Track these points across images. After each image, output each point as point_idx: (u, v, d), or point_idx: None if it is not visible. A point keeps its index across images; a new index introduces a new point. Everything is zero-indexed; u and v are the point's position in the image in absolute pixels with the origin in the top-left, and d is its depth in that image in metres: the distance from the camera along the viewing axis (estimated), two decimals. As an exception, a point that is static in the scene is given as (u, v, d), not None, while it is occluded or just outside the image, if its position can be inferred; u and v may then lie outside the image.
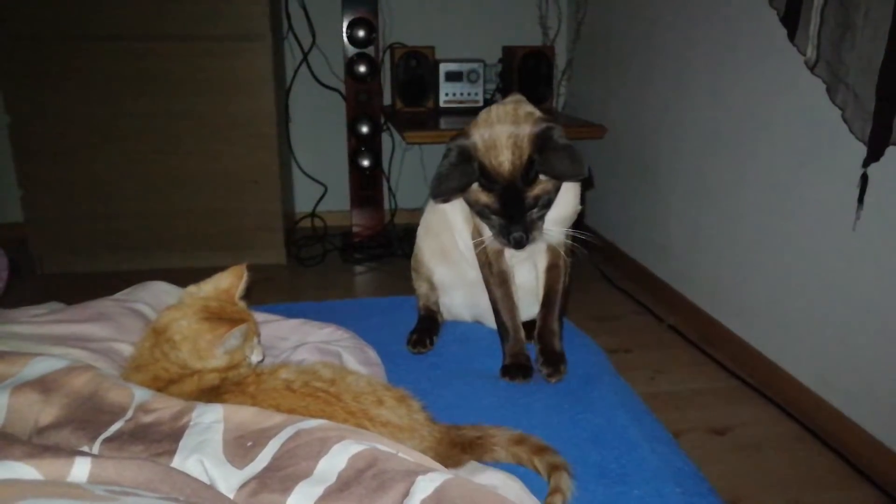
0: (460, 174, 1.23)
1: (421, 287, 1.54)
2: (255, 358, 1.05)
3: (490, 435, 1.01)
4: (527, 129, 1.20)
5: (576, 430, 1.13)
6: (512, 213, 1.22)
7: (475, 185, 1.24)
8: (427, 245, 1.52)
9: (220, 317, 0.99)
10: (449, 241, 1.48)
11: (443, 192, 1.26)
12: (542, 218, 1.26)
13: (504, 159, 1.20)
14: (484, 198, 1.24)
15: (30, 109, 2.97)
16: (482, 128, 1.23)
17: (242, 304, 1.07)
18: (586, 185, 1.37)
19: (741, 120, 2.32)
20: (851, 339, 1.90)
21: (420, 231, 1.55)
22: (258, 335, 1.07)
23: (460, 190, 1.26)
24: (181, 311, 1.00)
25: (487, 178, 1.21)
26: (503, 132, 1.20)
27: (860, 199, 1.80)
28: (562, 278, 1.38)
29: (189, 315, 0.99)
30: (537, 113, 1.25)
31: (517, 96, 1.32)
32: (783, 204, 2.14)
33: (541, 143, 1.20)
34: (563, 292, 1.38)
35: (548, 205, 1.25)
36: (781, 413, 2.09)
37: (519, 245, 1.24)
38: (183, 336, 0.97)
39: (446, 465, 0.92)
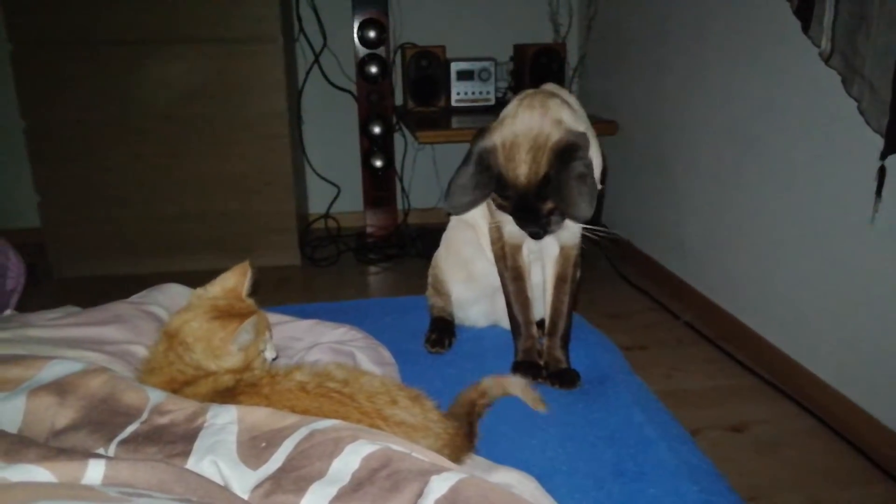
0: (477, 184, 1.20)
1: (437, 302, 1.53)
2: (269, 354, 1.05)
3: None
4: (550, 142, 1.15)
5: (591, 428, 1.12)
6: (526, 219, 1.21)
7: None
8: (448, 265, 1.50)
9: (229, 314, 1.00)
10: (471, 252, 1.46)
11: (458, 206, 1.23)
12: (558, 223, 1.24)
13: (521, 172, 1.16)
14: (500, 199, 1.22)
15: (45, 115, 3.00)
16: (506, 129, 1.19)
17: (250, 301, 1.08)
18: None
19: (756, 113, 2.30)
20: (870, 334, 1.87)
21: (440, 251, 1.53)
22: (270, 331, 1.07)
23: (477, 203, 1.24)
24: (191, 313, 1.00)
25: (503, 184, 1.19)
26: (525, 141, 1.16)
27: (878, 192, 1.77)
28: (568, 297, 1.36)
29: (199, 316, 0.99)
30: (567, 118, 1.19)
31: (551, 86, 1.29)
32: (799, 198, 2.12)
33: (560, 160, 1.15)
34: (568, 313, 1.36)
35: (564, 216, 1.22)
36: (800, 409, 2.07)
37: (536, 237, 1.22)
38: (195, 337, 0.97)
39: (464, 456, 0.92)
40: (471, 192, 1.21)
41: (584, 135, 1.18)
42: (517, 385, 1.17)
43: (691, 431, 1.22)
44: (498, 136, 1.19)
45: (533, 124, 1.17)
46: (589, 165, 1.17)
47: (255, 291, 1.10)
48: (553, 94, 1.24)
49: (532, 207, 1.19)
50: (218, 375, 0.97)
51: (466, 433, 0.98)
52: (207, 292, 1.06)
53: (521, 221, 1.22)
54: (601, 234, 1.32)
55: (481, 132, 1.22)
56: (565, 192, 1.15)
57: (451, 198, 1.22)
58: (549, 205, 1.19)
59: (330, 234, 3.66)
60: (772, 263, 2.27)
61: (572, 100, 1.29)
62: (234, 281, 1.07)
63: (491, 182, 1.19)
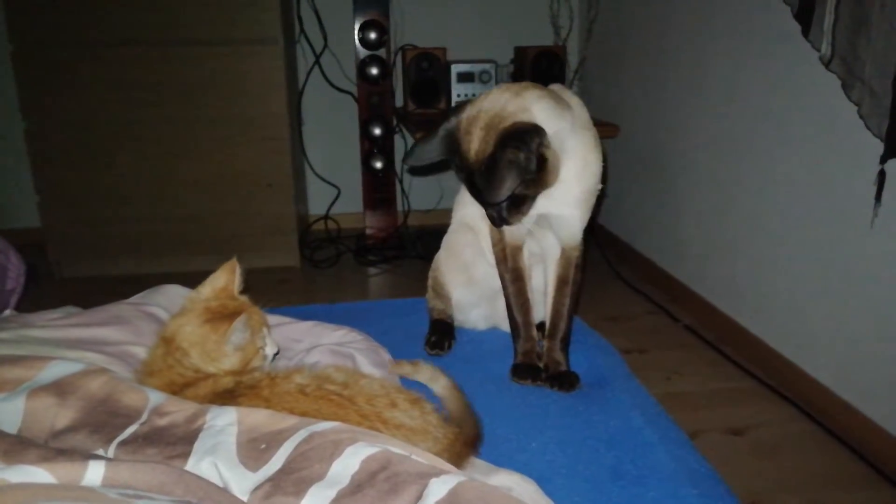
0: (432, 148, 1.21)
1: (437, 304, 1.53)
2: (269, 350, 1.06)
3: None
4: (503, 123, 1.14)
5: (591, 431, 1.12)
6: (475, 197, 1.21)
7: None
8: (448, 267, 1.50)
9: (222, 314, 1.00)
10: (472, 254, 1.46)
11: (414, 162, 1.24)
12: (515, 208, 1.22)
13: (472, 147, 1.16)
14: (460, 175, 1.22)
15: (46, 115, 3.00)
16: (475, 104, 1.19)
17: (243, 299, 1.08)
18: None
19: (756, 117, 2.30)
20: (870, 338, 1.87)
21: (441, 254, 1.53)
22: (267, 326, 1.08)
23: (432, 161, 1.24)
24: (185, 318, 1.01)
25: (458, 156, 1.18)
26: (483, 118, 1.16)
27: (878, 196, 1.78)
28: (569, 299, 1.35)
29: (192, 320, 1.00)
30: (538, 111, 1.16)
31: (556, 86, 1.28)
32: (799, 202, 2.12)
33: (502, 143, 1.13)
34: (569, 315, 1.35)
35: (519, 204, 1.20)
36: (799, 413, 2.07)
37: (494, 223, 1.22)
38: (190, 342, 0.98)
39: (461, 464, 0.92)
40: (428, 152, 1.22)
41: (540, 129, 1.15)
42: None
43: (690, 434, 1.22)
44: (466, 111, 1.19)
45: (498, 104, 1.16)
46: (530, 158, 1.13)
47: (246, 289, 1.11)
48: (536, 87, 1.22)
49: (476, 186, 1.18)
50: (217, 377, 0.97)
51: (467, 439, 0.98)
52: (200, 294, 1.06)
53: (477, 201, 1.22)
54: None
55: (456, 108, 1.22)
56: (490, 172, 1.13)
57: (410, 158, 1.23)
58: None
59: (330, 236, 3.66)
60: (771, 267, 2.27)
61: (574, 101, 1.28)
62: (224, 280, 1.08)
63: (445, 149, 1.20)
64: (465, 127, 1.17)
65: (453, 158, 1.20)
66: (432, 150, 1.22)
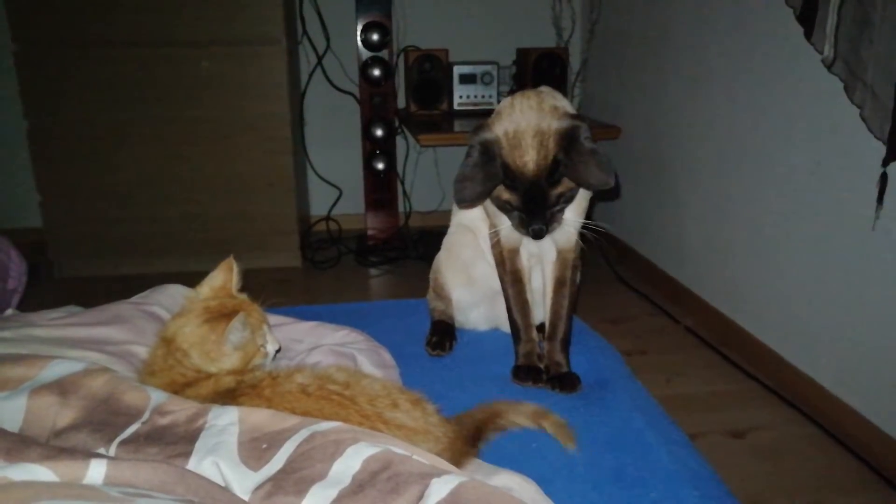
0: (485, 177, 1.20)
1: (438, 305, 1.53)
2: (270, 348, 1.06)
3: (497, 413, 1.07)
4: (553, 126, 1.16)
5: (591, 433, 1.12)
6: (534, 210, 1.20)
7: None
8: (448, 268, 1.50)
9: (220, 314, 1.00)
10: (472, 255, 1.47)
11: (468, 198, 1.22)
12: (562, 210, 1.25)
13: (529, 159, 1.17)
14: (506, 195, 1.22)
15: (48, 115, 3.00)
16: (505, 121, 1.19)
17: (242, 297, 1.08)
18: (612, 194, 1.34)
19: (758, 119, 2.30)
20: (871, 341, 1.87)
21: (441, 255, 1.53)
22: (267, 324, 1.08)
23: (486, 194, 1.23)
24: (185, 318, 1.01)
25: (510, 177, 1.19)
26: (528, 129, 1.17)
27: (879, 199, 1.78)
28: (567, 301, 1.35)
29: (192, 320, 1.00)
30: (562, 107, 1.21)
31: (545, 88, 1.29)
32: (801, 204, 2.12)
33: (566, 143, 1.16)
34: (568, 316, 1.35)
35: (570, 200, 1.23)
36: (800, 415, 2.07)
37: (538, 236, 1.21)
38: (190, 343, 0.98)
39: (463, 461, 0.92)
40: (479, 183, 1.20)
41: (583, 117, 1.20)
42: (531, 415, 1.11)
43: (691, 436, 1.22)
44: (499, 128, 1.19)
45: (533, 114, 1.18)
46: (593, 142, 1.18)
47: (246, 289, 1.11)
48: (538, 93, 1.25)
49: (542, 194, 1.19)
50: (219, 377, 0.97)
51: (468, 437, 0.98)
52: (199, 294, 1.07)
53: (528, 214, 1.21)
54: (600, 229, 1.31)
55: (478, 128, 1.22)
56: (581, 167, 1.17)
57: (460, 191, 1.21)
58: (559, 189, 1.19)
59: (331, 237, 3.66)
60: (772, 269, 2.27)
61: (563, 102, 1.28)
62: (222, 278, 1.08)
63: (498, 173, 1.19)
64: (511, 143, 1.18)
65: (504, 178, 1.20)
66: (482, 184, 1.20)
